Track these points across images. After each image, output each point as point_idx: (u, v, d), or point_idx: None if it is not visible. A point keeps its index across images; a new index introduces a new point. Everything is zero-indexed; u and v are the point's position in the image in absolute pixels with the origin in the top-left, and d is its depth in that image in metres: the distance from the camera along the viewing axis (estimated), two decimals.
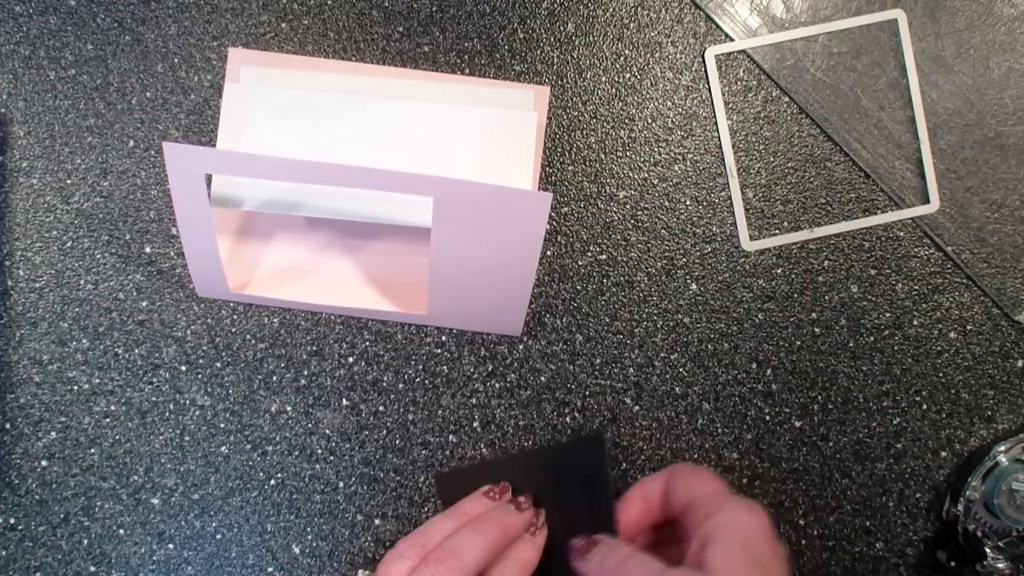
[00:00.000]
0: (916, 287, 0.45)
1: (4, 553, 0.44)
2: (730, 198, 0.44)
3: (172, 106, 0.44)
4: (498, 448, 0.44)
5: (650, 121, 0.44)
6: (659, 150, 0.44)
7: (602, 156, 0.44)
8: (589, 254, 0.44)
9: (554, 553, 0.40)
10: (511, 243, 0.39)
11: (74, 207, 0.44)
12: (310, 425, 0.44)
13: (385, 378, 0.44)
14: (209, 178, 0.42)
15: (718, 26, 0.44)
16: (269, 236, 0.44)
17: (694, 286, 0.45)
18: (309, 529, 0.44)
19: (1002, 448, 0.44)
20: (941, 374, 0.45)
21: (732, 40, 0.44)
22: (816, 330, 0.45)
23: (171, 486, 0.44)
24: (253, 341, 0.44)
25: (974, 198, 0.45)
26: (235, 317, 0.44)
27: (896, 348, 0.45)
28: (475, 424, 0.44)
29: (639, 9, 0.44)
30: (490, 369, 0.44)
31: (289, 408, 0.44)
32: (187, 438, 0.44)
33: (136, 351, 0.44)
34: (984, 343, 0.45)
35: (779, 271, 0.45)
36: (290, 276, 0.44)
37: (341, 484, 0.44)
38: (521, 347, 0.44)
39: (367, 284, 0.44)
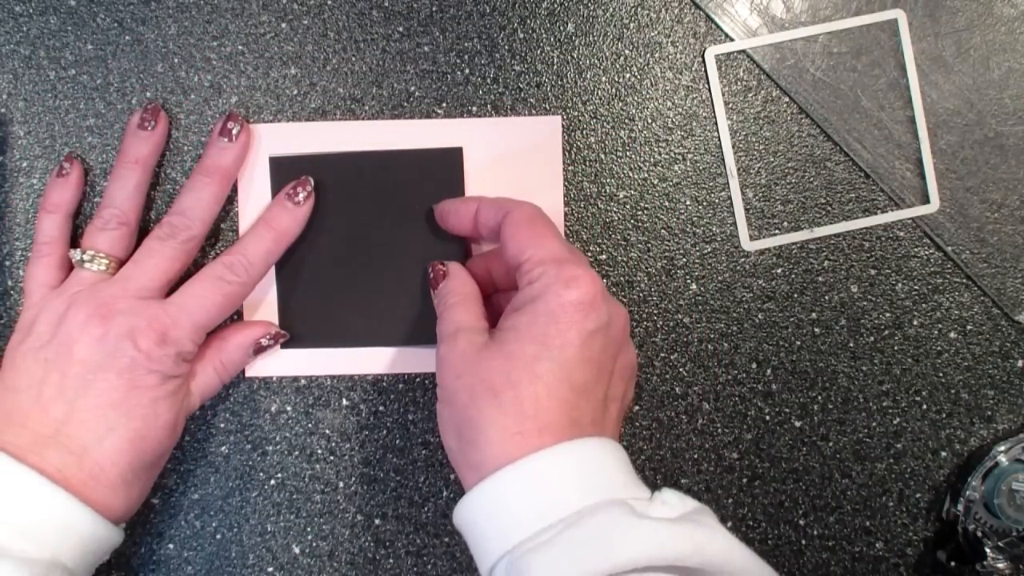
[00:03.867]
0: (916, 287, 0.45)
1: None
2: (730, 198, 0.44)
3: (172, 106, 0.44)
4: None
5: (650, 121, 0.44)
6: (659, 150, 0.44)
7: (602, 156, 0.44)
8: (589, 254, 0.44)
9: (389, 267, 0.43)
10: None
11: None
12: (310, 425, 0.44)
13: (385, 378, 0.44)
14: None
15: (718, 26, 0.44)
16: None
17: (694, 286, 0.45)
18: (309, 529, 0.44)
19: (1002, 448, 0.44)
20: (941, 374, 0.45)
21: (732, 40, 0.44)
22: (816, 330, 0.45)
23: (171, 486, 0.44)
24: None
25: (974, 198, 0.45)
26: (235, 316, 0.44)
27: (896, 348, 0.45)
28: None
29: (639, 9, 0.44)
30: None
31: (289, 408, 0.44)
32: (187, 438, 0.44)
33: None
34: (984, 343, 0.45)
35: (779, 271, 0.45)
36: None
37: (341, 484, 0.44)
38: None
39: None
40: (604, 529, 0.30)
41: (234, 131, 0.41)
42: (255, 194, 0.43)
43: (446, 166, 0.43)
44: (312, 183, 0.42)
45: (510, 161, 0.43)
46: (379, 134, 0.43)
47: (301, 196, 0.41)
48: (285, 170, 0.43)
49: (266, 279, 0.43)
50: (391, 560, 0.44)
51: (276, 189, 0.43)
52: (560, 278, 0.34)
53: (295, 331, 0.43)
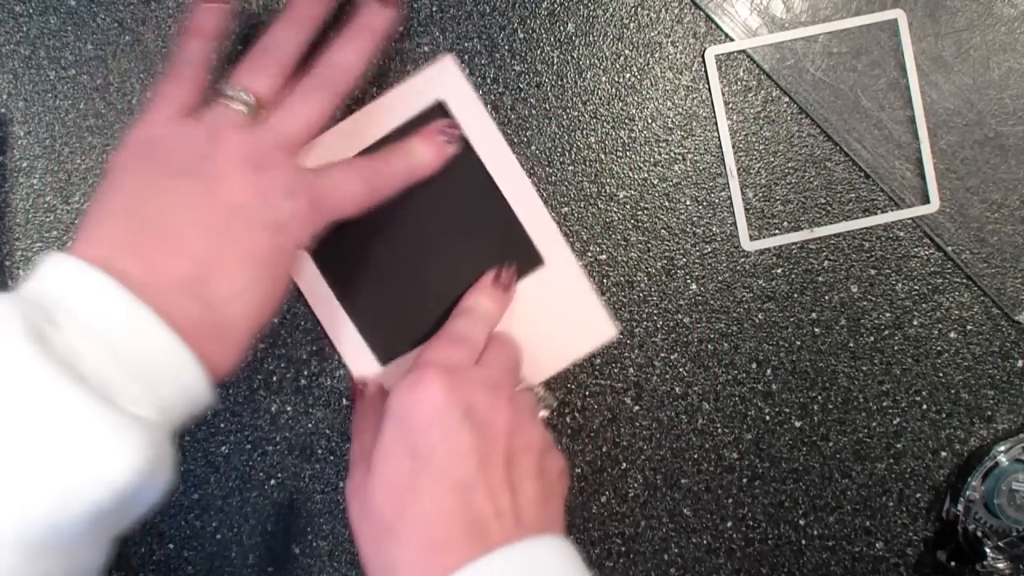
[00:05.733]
0: (916, 287, 0.45)
1: None
2: (730, 198, 0.44)
3: None
4: None
5: (650, 121, 0.44)
6: (659, 150, 0.44)
7: (602, 156, 0.44)
8: (589, 254, 0.44)
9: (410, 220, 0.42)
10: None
11: (74, 207, 0.44)
12: (310, 425, 0.44)
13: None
14: None
15: (718, 26, 0.44)
16: None
17: (694, 286, 0.45)
18: (309, 529, 0.44)
19: (1002, 448, 0.44)
20: (941, 374, 0.45)
21: (732, 40, 0.44)
22: (816, 330, 0.45)
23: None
24: (253, 341, 0.44)
25: (974, 198, 0.45)
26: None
27: (896, 348, 0.45)
28: None
29: (639, 9, 0.44)
30: None
31: (289, 408, 0.44)
32: (187, 438, 0.44)
33: None
34: (984, 343, 0.45)
35: (779, 271, 0.45)
36: None
37: (341, 484, 0.44)
38: None
39: None
40: None
41: None
42: None
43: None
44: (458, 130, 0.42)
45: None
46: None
47: (446, 138, 0.41)
48: None
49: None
50: None
51: None
52: (408, 383, 0.34)
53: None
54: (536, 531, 0.32)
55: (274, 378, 0.44)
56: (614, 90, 0.44)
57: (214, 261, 0.32)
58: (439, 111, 0.43)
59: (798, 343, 0.45)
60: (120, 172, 0.33)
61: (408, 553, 0.31)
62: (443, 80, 0.43)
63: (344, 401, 0.44)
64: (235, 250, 0.32)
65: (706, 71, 0.44)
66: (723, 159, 0.44)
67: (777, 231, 0.45)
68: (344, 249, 0.43)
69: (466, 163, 0.43)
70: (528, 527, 0.32)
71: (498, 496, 0.32)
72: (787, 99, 0.44)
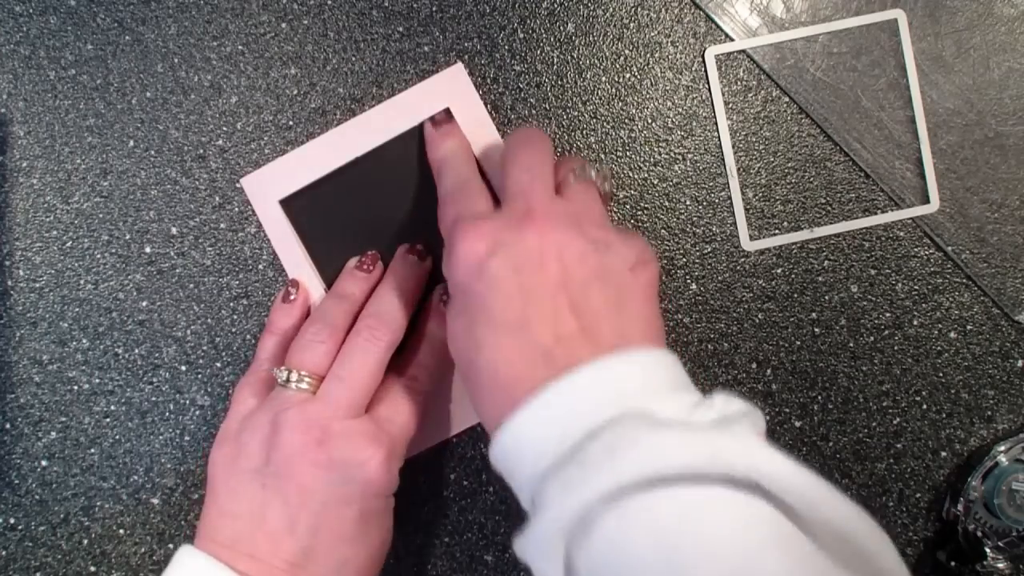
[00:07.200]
0: (916, 287, 0.45)
1: (4, 553, 0.44)
2: (730, 198, 0.44)
3: (172, 106, 0.44)
4: None
5: (650, 121, 0.44)
6: (659, 150, 0.44)
7: (602, 156, 0.44)
8: None
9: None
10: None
11: (74, 207, 0.44)
12: None
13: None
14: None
15: (718, 26, 0.44)
16: None
17: (694, 286, 0.45)
18: None
19: (1002, 448, 0.44)
20: (941, 374, 0.45)
21: (732, 40, 0.44)
22: (816, 330, 0.45)
23: (171, 486, 0.44)
24: (253, 341, 0.44)
25: (974, 198, 0.45)
26: (235, 317, 0.44)
27: (896, 348, 0.45)
28: (476, 424, 0.44)
29: (639, 9, 0.44)
30: None
31: None
32: (187, 438, 0.44)
33: (136, 351, 0.44)
34: (984, 343, 0.45)
35: (779, 271, 0.45)
36: None
37: None
38: None
39: None
40: (612, 441, 0.27)
41: (423, 252, 0.42)
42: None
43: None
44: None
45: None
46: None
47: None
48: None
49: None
50: (391, 560, 0.44)
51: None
52: (449, 244, 0.34)
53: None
54: (611, 345, 0.31)
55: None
56: (614, 90, 0.44)
57: (308, 552, 0.35)
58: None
59: (798, 343, 0.45)
60: (220, 470, 0.37)
61: (484, 401, 0.32)
62: (452, 87, 0.43)
63: None
64: (322, 537, 0.35)
65: (706, 71, 0.44)
66: (723, 159, 0.44)
67: (777, 231, 0.45)
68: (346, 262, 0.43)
69: None
70: (602, 343, 0.31)
71: (558, 322, 0.31)
72: (787, 99, 0.44)
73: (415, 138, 0.43)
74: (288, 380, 0.37)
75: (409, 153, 0.43)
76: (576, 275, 0.32)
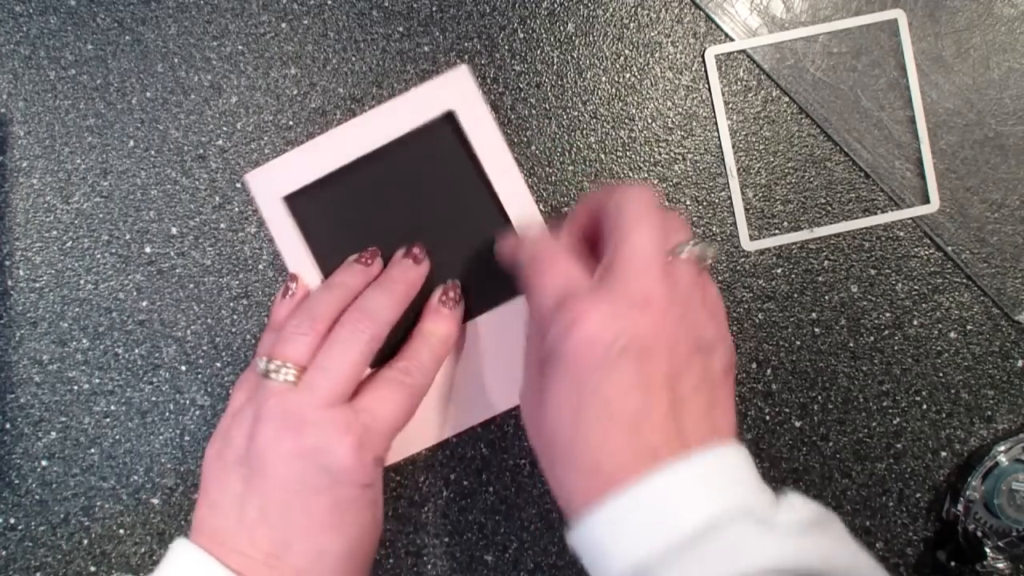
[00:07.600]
0: (916, 287, 0.45)
1: (4, 553, 0.44)
2: (730, 198, 0.44)
3: (172, 106, 0.44)
4: (498, 447, 0.44)
5: (650, 121, 0.44)
6: (659, 150, 0.44)
7: (602, 156, 0.44)
8: None
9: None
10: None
11: (74, 207, 0.44)
12: None
13: None
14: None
15: (718, 26, 0.44)
16: None
17: None
18: None
19: (1002, 448, 0.44)
20: (941, 374, 0.45)
21: (732, 40, 0.44)
22: (816, 330, 0.45)
23: (171, 486, 0.44)
24: (253, 341, 0.44)
25: (974, 198, 0.45)
26: (235, 317, 0.44)
27: (896, 348, 0.45)
28: (476, 424, 0.44)
29: (639, 9, 0.44)
30: None
31: None
32: (187, 438, 0.44)
33: (136, 351, 0.44)
34: (984, 343, 0.45)
35: (779, 271, 0.45)
36: None
37: None
38: None
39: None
40: (733, 543, 0.28)
41: (419, 255, 0.42)
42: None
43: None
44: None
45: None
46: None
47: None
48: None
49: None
50: (391, 560, 0.44)
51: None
52: (563, 323, 0.32)
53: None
54: (701, 440, 0.31)
55: None
56: (614, 90, 0.44)
57: (283, 543, 0.35)
58: (449, 121, 0.43)
59: (798, 343, 0.45)
60: (206, 463, 0.38)
61: (571, 480, 0.32)
62: (456, 89, 0.43)
63: None
64: (296, 527, 0.35)
65: (706, 71, 0.44)
66: (723, 159, 0.44)
67: (777, 231, 0.45)
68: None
69: (472, 180, 0.43)
70: (692, 441, 0.31)
71: (666, 424, 0.31)
72: (787, 99, 0.44)
73: (420, 138, 0.43)
74: (268, 371, 0.37)
75: (414, 154, 0.43)
76: (683, 377, 0.32)
